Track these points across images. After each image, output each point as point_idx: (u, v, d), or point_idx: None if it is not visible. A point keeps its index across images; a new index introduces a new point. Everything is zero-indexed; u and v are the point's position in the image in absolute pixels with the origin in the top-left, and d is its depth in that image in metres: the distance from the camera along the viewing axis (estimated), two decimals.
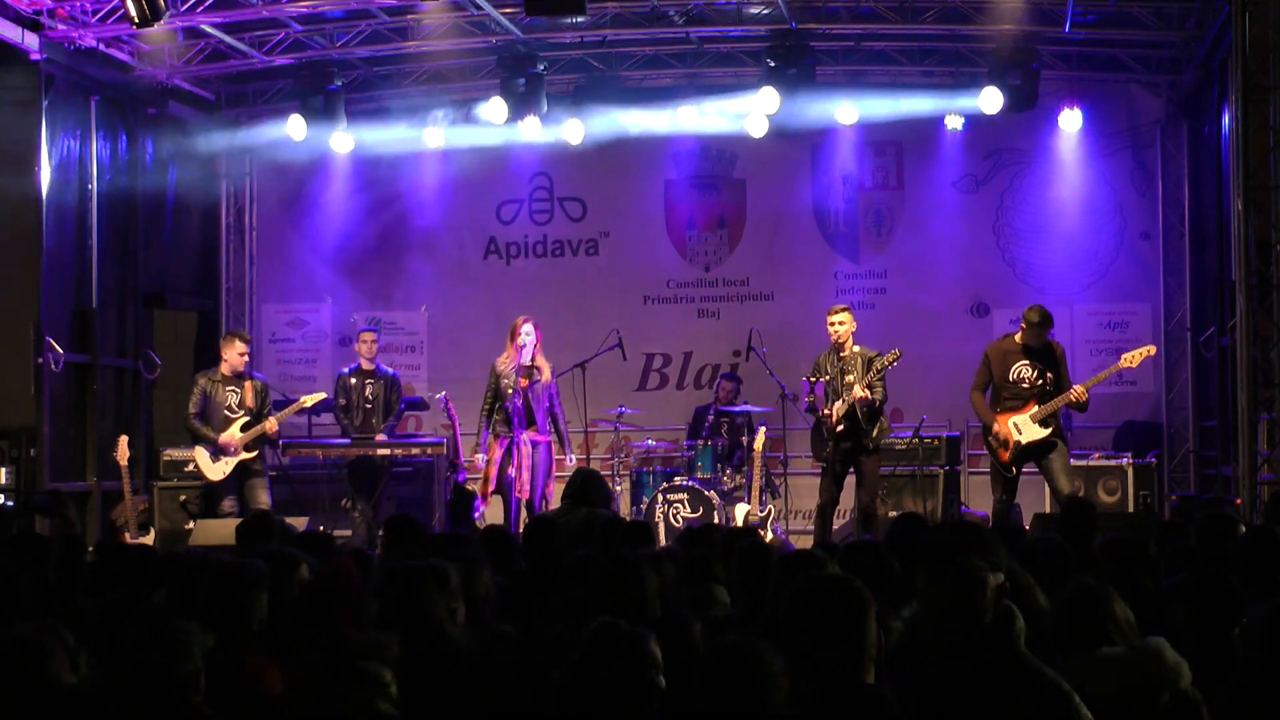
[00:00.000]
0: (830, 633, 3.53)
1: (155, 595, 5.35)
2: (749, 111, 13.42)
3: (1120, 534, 6.44)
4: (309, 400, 11.78)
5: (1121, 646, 4.26)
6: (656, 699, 3.67)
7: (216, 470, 11.34)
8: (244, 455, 11.35)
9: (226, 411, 11.40)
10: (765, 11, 12.75)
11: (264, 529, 6.83)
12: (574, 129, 13.86)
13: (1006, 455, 10.58)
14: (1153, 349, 11.06)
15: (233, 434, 11.30)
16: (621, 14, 12.85)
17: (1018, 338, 10.80)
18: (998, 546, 4.70)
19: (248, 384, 11.53)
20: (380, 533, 6.89)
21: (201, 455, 11.41)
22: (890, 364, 10.69)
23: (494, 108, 13.27)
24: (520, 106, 13.26)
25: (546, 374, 11.29)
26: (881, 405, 10.82)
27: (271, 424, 11.37)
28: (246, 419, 11.38)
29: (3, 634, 3.83)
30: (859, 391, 10.59)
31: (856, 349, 10.87)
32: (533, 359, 11.19)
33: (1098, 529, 6.95)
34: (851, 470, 10.89)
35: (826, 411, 10.73)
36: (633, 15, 12.88)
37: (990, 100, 12.66)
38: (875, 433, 10.81)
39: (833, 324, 10.93)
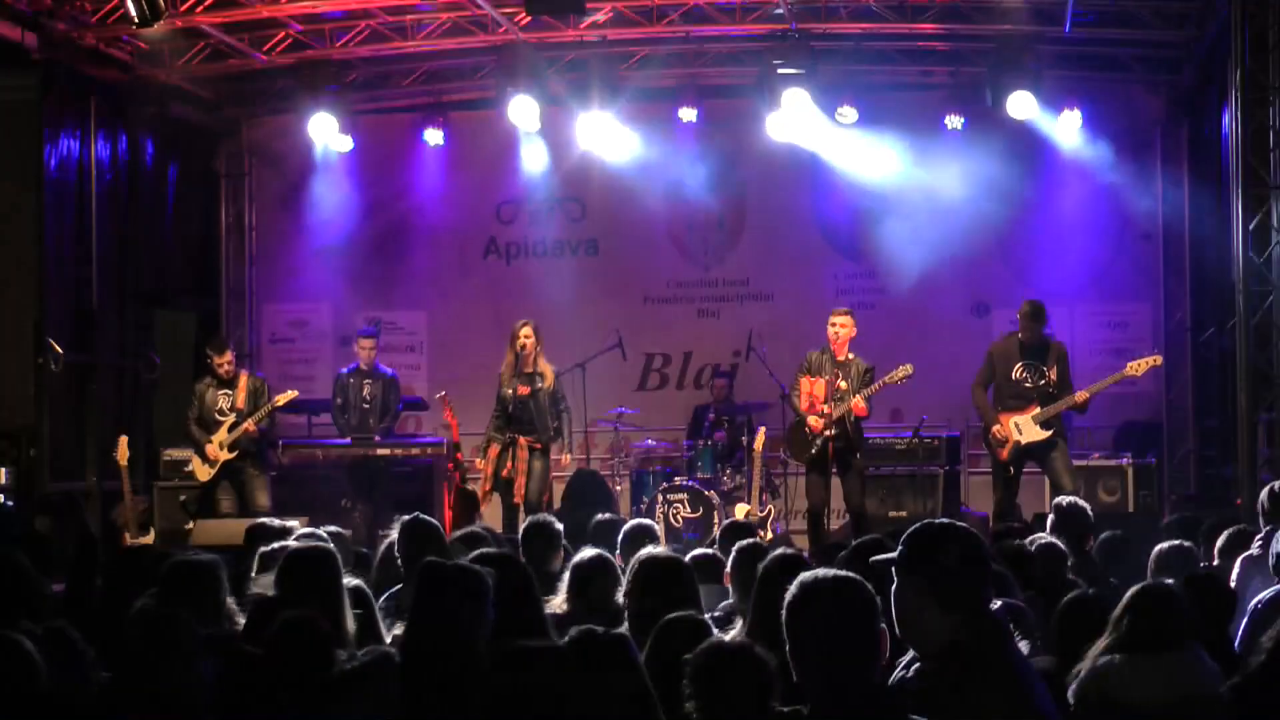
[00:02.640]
0: (835, 632, 3.52)
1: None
2: (752, 112, 13.44)
3: (1119, 534, 6.46)
4: (281, 399, 11.73)
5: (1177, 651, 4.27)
6: (642, 704, 3.66)
7: (204, 471, 11.50)
8: (226, 455, 11.41)
9: (217, 415, 11.57)
10: (766, 11, 12.74)
11: (274, 535, 6.83)
12: (574, 129, 13.86)
13: (1005, 454, 10.60)
14: (1158, 359, 11.01)
15: (219, 436, 11.42)
16: (621, 14, 12.85)
17: (1020, 336, 10.83)
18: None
19: (242, 383, 11.57)
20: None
21: (196, 458, 11.57)
22: (900, 380, 10.71)
23: (521, 106, 13.18)
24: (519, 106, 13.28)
25: (550, 380, 11.22)
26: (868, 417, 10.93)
27: (249, 426, 11.44)
28: (234, 421, 11.46)
29: None
30: (859, 403, 10.62)
31: (852, 356, 10.87)
32: (534, 365, 11.15)
33: (1093, 531, 6.96)
34: (835, 472, 10.91)
35: (816, 425, 10.72)
36: (633, 15, 12.88)
37: (1020, 105, 12.58)
38: (859, 438, 10.92)
39: (834, 325, 10.92)
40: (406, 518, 6.62)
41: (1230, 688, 4.24)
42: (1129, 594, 4.46)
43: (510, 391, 11.02)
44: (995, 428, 10.60)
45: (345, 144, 14.21)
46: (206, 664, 4.06)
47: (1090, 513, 7.34)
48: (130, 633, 4.04)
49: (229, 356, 11.69)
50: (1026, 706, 3.47)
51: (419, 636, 4.26)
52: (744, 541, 5.76)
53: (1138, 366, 10.75)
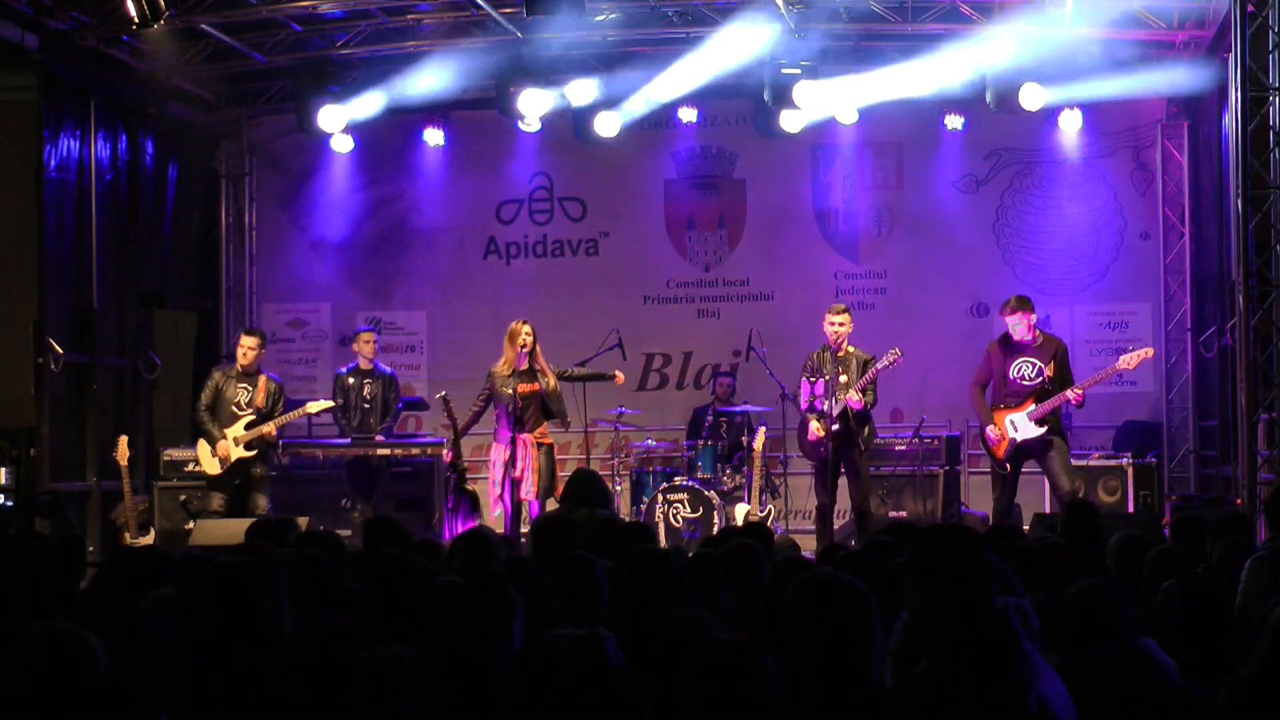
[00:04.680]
0: (833, 632, 3.52)
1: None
2: (752, 112, 13.45)
3: (1132, 534, 6.45)
4: (314, 407, 11.70)
5: (1120, 646, 4.28)
6: (617, 703, 3.64)
7: (214, 464, 11.33)
8: (241, 453, 11.32)
9: (234, 408, 11.39)
10: (766, 11, 12.72)
11: (277, 532, 6.80)
12: (574, 128, 13.87)
13: (1002, 452, 10.60)
14: (1150, 351, 11.07)
15: (235, 431, 11.30)
16: (622, 14, 12.84)
17: (1012, 333, 10.84)
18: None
19: (261, 382, 11.46)
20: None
21: (203, 449, 11.40)
22: (890, 364, 10.70)
23: (521, 106, 13.19)
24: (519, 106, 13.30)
25: (552, 381, 11.19)
26: (870, 409, 10.85)
27: (270, 429, 11.33)
28: (252, 417, 11.35)
29: (42, 628, 3.83)
30: (854, 395, 10.62)
31: (851, 349, 10.89)
32: (532, 363, 11.13)
33: (1102, 531, 6.94)
34: (844, 470, 10.91)
35: (820, 428, 10.72)
36: (632, 15, 12.88)
37: (1032, 96, 12.61)
38: (866, 433, 10.85)
39: (832, 324, 10.92)
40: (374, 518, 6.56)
41: (1227, 688, 4.24)
42: (1068, 595, 4.48)
43: (511, 391, 10.99)
44: (990, 427, 10.61)
45: (345, 144, 14.22)
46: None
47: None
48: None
49: (256, 342, 11.56)
50: (1032, 706, 3.47)
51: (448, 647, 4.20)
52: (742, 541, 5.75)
53: (1130, 360, 10.77)
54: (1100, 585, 4.46)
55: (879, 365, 10.73)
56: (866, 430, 10.86)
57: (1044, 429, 10.53)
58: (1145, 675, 4.26)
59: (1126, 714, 4.17)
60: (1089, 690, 4.11)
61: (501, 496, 11.12)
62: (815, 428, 10.74)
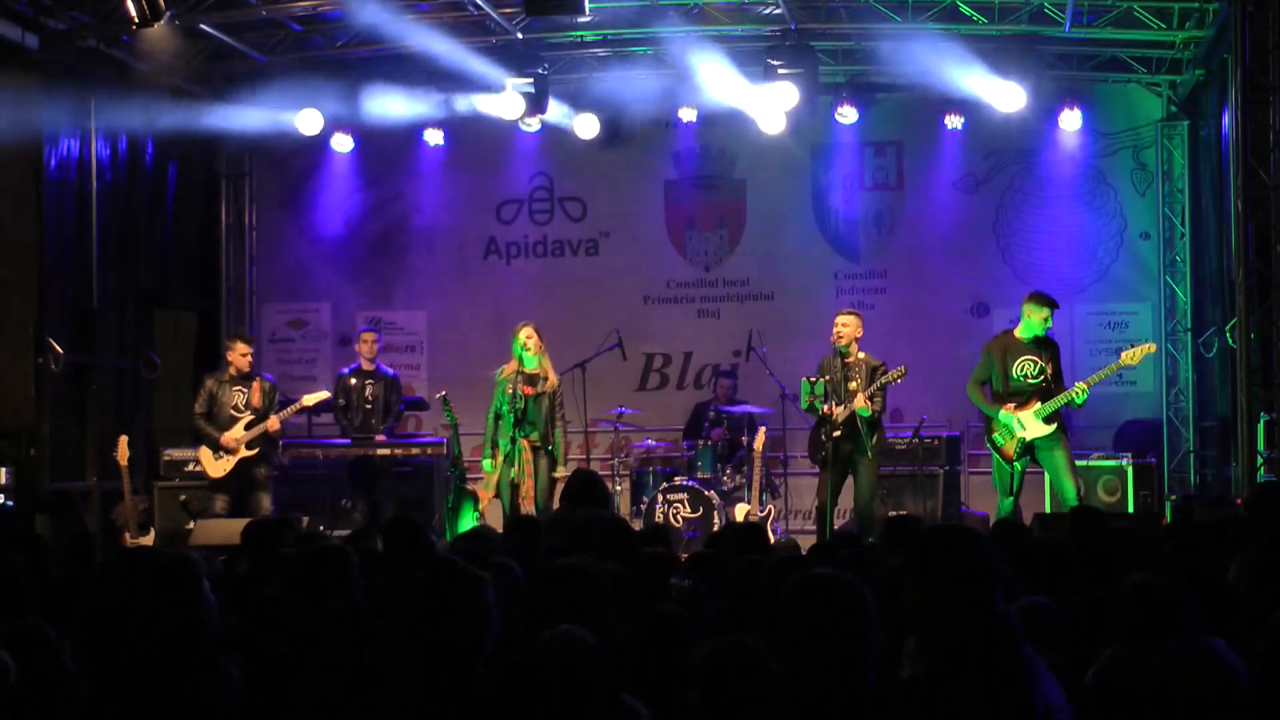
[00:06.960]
0: (831, 631, 3.52)
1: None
2: (752, 109, 13.45)
3: (1137, 535, 6.43)
4: (310, 400, 11.75)
5: (1184, 640, 4.25)
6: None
7: (218, 468, 11.38)
8: (244, 453, 11.35)
9: (233, 411, 11.45)
10: (766, 11, 12.74)
11: (275, 531, 6.79)
12: (574, 128, 13.87)
13: (1010, 451, 10.56)
14: (1152, 346, 11.02)
15: (235, 432, 11.32)
16: (622, 14, 12.84)
17: (1017, 332, 10.80)
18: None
19: (255, 384, 11.53)
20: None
21: (205, 453, 11.46)
22: (895, 379, 10.68)
23: (521, 106, 13.25)
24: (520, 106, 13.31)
25: (553, 380, 11.22)
26: (879, 415, 10.84)
27: (273, 422, 11.38)
28: (251, 419, 11.40)
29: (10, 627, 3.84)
30: (861, 400, 10.61)
31: (862, 355, 10.86)
32: (537, 366, 11.16)
33: (1107, 534, 6.93)
34: (849, 473, 10.90)
35: (827, 410, 10.73)
36: (633, 15, 12.87)
37: (1007, 96, 12.63)
38: (875, 440, 10.80)
39: (835, 325, 10.93)
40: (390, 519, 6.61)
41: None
42: (1130, 587, 4.45)
43: (513, 390, 11.01)
44: (1002, 412, 10.54)
45: (345, 144, 14.21)
46: (231, 661, 4.06)
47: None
48: (141, 633, 4.03)
49: (250, 349, 11.66)
50: (1032, 707, 3.47)
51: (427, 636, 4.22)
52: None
53: (1133, 355, 10.71)
54: (1160, 580, 4.41)
55: (883, 380, 10.72)
56: (875, 437, 10.80)
57: (1052, 427, 10.49)
58: (1208, 674, 4.21)
59: (1186, 714, 4.13)
60: (1145, 687, 4.07)
61: (493, 497, 11.16)
62: (826, 409, 10.73)
